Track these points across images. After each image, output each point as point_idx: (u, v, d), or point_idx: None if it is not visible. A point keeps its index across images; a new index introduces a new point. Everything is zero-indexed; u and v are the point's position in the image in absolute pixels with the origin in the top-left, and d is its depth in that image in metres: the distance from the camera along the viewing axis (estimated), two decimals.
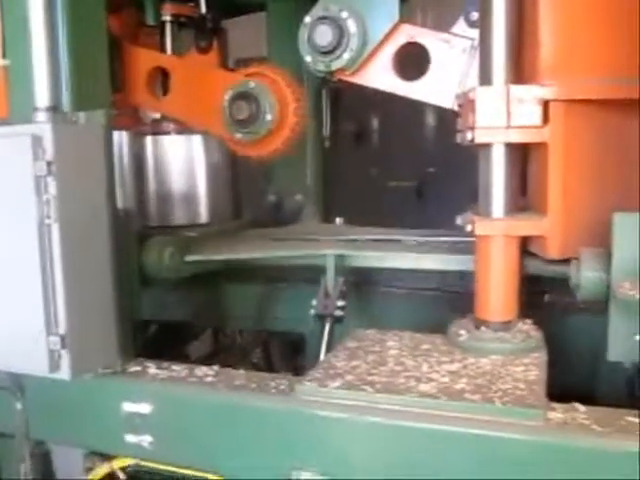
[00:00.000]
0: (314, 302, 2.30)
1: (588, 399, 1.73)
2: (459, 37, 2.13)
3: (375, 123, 6.41)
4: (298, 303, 2.55)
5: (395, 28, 2.21)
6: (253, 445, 1.73)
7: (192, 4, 3.20)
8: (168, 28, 3.18)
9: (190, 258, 2.37)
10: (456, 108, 2.06)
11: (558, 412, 1.54)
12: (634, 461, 1.38)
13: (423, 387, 1.64)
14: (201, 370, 1.94)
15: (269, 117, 2.64)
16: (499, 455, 1.49)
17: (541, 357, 1.80)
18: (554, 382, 1.70)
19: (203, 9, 3.14)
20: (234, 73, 2.79)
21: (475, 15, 2.02)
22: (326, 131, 4.03)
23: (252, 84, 2.65)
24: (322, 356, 2.18)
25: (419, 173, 6.21)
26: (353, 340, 2.01)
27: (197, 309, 2.95)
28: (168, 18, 3.23)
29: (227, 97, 2.68)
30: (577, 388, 1.91)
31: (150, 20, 3.14)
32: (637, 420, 1.49)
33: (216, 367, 1.95)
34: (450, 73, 2.14)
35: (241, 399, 1.76)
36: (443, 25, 2.29)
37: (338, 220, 3.30)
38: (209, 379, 1.89)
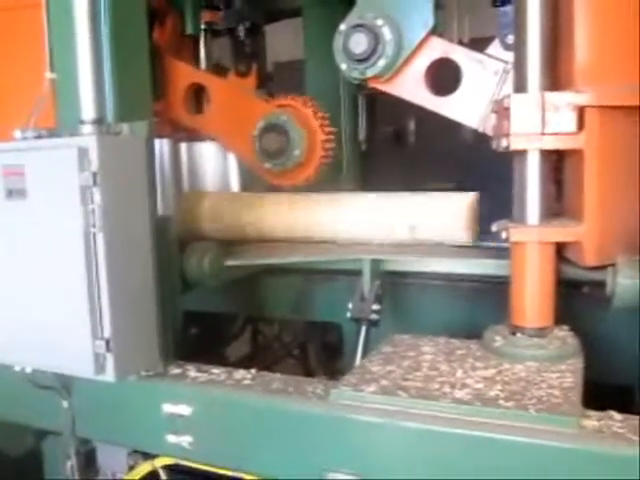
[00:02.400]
0: (350, 305, 2.33)
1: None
2: (493, 58, 2.14)
3: (413, 125, 6.40)
4: (336, 294, 2.59)
5: (429, 42, 2.23)
6: (289, 447, 1.77)
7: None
8: (203, 37, 3.28)
9: (230, 263, 2.42)
10: (481, 129, 2.08)
11: (593, 420, 1.54)
12: None
13: (457, 393, 1.65)
14: (239, 373, 1.99)
15: (297, 152, 2.70)
16: (533, 462, 1.50)
17: (577, 364, 1.80)
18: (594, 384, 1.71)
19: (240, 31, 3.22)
20: (267, 103, 2.85)
21: (510, 38, 2.03)
22: (362, 134, 4.07)
23: (283, 117, 2.71)
24: (358, 360, 2.21)
25: (458, 175, 6.19)
26: (388, 345, 2.04)
27: (237, 300, 2.99)
28: (204, 27, 3.32)
29: (258, 127, 2.75)
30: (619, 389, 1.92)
31: (189, 29, 3.22)
32: None
33: (254, 371, 2.00)
34: (480, 93, 2.15)
35: (278, 402, 1.80)
36: (478, 30, 2.31)
37: None
38: (247, 382, 1.94)
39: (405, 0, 2.25)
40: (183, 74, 2.99)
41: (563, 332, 1.92)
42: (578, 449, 1.46)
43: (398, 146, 6.34)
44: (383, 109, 5.71)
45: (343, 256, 2.44)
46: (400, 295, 2.54)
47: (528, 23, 1.86)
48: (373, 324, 2.29)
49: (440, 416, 1.60)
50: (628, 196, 1.83)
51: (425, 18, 2.26)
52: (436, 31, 2.30)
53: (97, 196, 1.72)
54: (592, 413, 1.57)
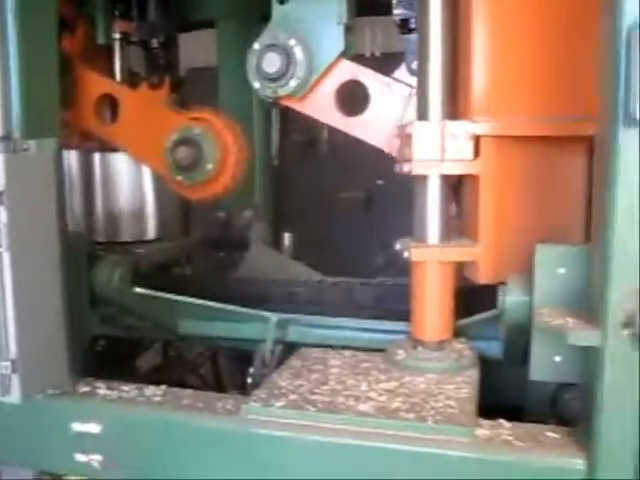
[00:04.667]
0: (251, 370, 2.31)
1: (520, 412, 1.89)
2: (400, 82, 2.25)
3: (326, 135, 6.52)
4: (247, 322, 2.62)
5: (339, 64, 2.31)
6: (200, 463, 1.80)
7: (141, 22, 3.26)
8: (117, 47, 3.24)
9: (138, 291, 2.41)
10: (387, 150, 2.19)
11: (485, 429, 1.66)
12: (550, 473, 1.52)
13: (362, 406, 1.74)
14: (150, 390, 2.00)
15: (210, 166, 2.72)
16: (432, 471, 1.60)
17: (473, 375, 1.92)
18: (488, 397, 1.83)
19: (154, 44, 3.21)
20: (180, 115, 2.85)
21: (416, 64, 2.14)
22: (275, 147, 4.13)
23: (197, 130, 2.72)
24: None
25: (368, 185, 6.35)
26: (297, 359, 2.10)
27: (146, 324, 2.97)
28: (118, 36, 3.28)
29: (171, 139, 2.74)
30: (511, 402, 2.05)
31: (101, 39, 3.18)
32: (556, 435, 1.63)
33: (164, 387, 2.01)
34: (387, 116, 2.25)
35: (188, 419, 1.83)
36: (392, 45, 2.42)
37: (287, 237, 3.40)
38: (157, 399, 1.95)
39: (317, 23, 2.33)
40: (94, 84, 2.95)
41: (461, 345, 2.04)
42: (471, 457, 1.57)
43: (311, 156, 6.45)
44: (296, 119, 5.81)
45: (249, 310, 2.45)
46: None
47: (430, 54, 1.98)
48: None
49: (345, 429, 1.67)
50: (524, 220, 1.96)
51: (336, 42, 2.34)
52: (347, 54, 2.39)
53: (3, 215, 1.69)
54: (485, 422, 1.69)
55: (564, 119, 1.87)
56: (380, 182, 6.17)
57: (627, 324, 1.44)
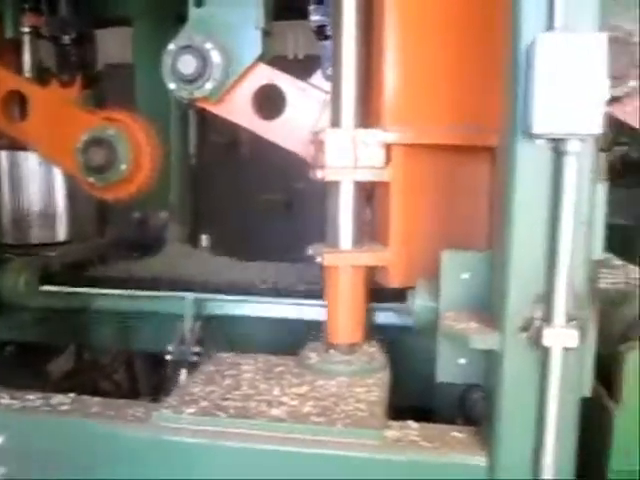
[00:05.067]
0: (170, 347, 2.34)
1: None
2: (315, 88, 2.27)
3: (246, 136, 6.49)
4: (161, 323, 2.59)
5: (257, 68, 2.31)
6: (110, 472, 1.76)
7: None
8: (27, 42, 3.13)
9: (44, 288, 2.33)
10: (303, 155, 2.21)
11: (394, 430, 1.70)
12: (454, 471, 1.58)
13: (273, 411, 1.74)
14: (57, 398, 1.94)
15: (123, 167, 2.67)
16: (342, 473, 1.63)
17: (383, 377, 1.96)
18: (401, 397, 1.88)
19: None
20: (93, 115, 2.78)
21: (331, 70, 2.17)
22: (193, 147, 4.08)
23: (110, 131, 2.67)
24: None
25: (289, 187, 6.36)
26: (210, 364, 2.09)
27: (56, 328, 2.88)
28: (27, 30, 3.17)
29: (83, 140, 2.68)
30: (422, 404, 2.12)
31: (9, 33, 3.06)
32: (461, 435, 1.69)
33: (72, 395, 1.95)
34: (303, 121, 2.27)
35: (95, 427, 1.78)
36: (316, 48, 2.44)
37: (204, 237, 3.36)
38: (64, 407, 1.89)
39: (235, 27, 2.32)
40: (1, 80, 2.84)
41: (372, 348, 2.09)
42: (379, 458, 1.61)
43: (231, 158, 6.41)
44: (215, 120, 5.74)
45: (166, 293, 2.44)
46: (226, 334, 2.58)
47: (343, 62, 2.02)
48: (193, 366, 2.31)
49: (257, 434, 1.68)
50: (434, 226, 2.03)
51: (254, 46, 2.34)
52: (264, 58, 2.39)
53: None
54: (394, 424, 1.73)
55: (471, 129, 1.95)
56: (300, 185, 6.20)
57: (525, 328, 1.51)
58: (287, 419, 1.70)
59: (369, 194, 2.18)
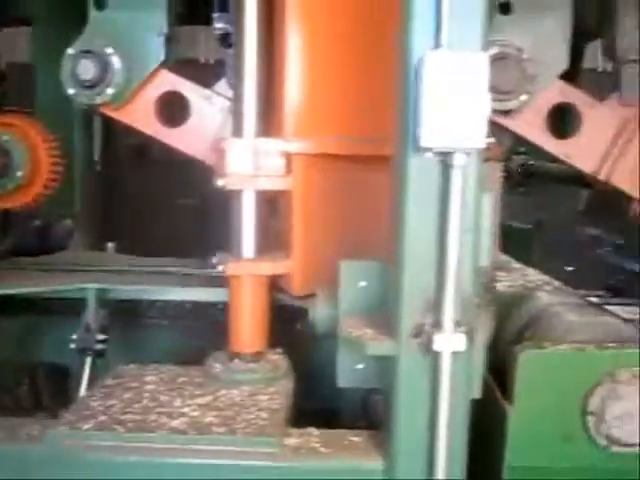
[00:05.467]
0: (75, 336, 2.31)
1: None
2: (220, 96, 2.27)
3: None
4: (63, 334, 2.51)
5: (160, 74, 2.29)
6: None
7: None
8: None
9: None
10: (208, 162, 2.21)
11: (294, 437, 1.72)
12: (352, 475, 1.62)
13: (174, 422, 1.73)
14: None
15: (20, 173, 2.57)
16: None
17: (286, 385, 1.99)
18: (307, 403, 1.90)
19: None
20: None
21: None
22: (98, 152, 3.99)
23: (5, 137, 2.57)
24: (82, 391, 2.19)
25: (203, 191, 6.27)
26: (111, 378, 2.04)
27: None
28: None
29: None
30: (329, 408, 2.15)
31: None
32: (359, 439, 1.73)
33: None
34: (207, 128, 2.28)
35: None
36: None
37: (110, 245, 3.30)
38: None
39: (137, 32, 2.29)
40: None
41: (275, 356, 2.10)
42: (279, 466, 1.63)
43: (142, 162, 6.27)
44: (123, 123, 5.61)
45: (66, 286, 2.39)
46: (130, 324, 2.56)
47: (245, 72, 2.03)
48: (99, 355, 2.28)
49: (156, 447, 1.66)
50: (331, 234, 2.06)
51: (156, 52, 2.32)
52: (168, 63, 2.37)
53: None
54: (294, 431, 1.75)
55: (369, 140, 2.00)
56: (215, 189, 6.11)
57: (416, 334, 1.56)
58: (187, 430, 1.69)
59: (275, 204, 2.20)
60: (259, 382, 1.98)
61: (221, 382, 1.98)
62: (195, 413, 1.78)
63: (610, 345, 1.84)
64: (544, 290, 2.54)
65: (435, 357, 1.54)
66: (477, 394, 1.63)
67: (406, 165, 1.52)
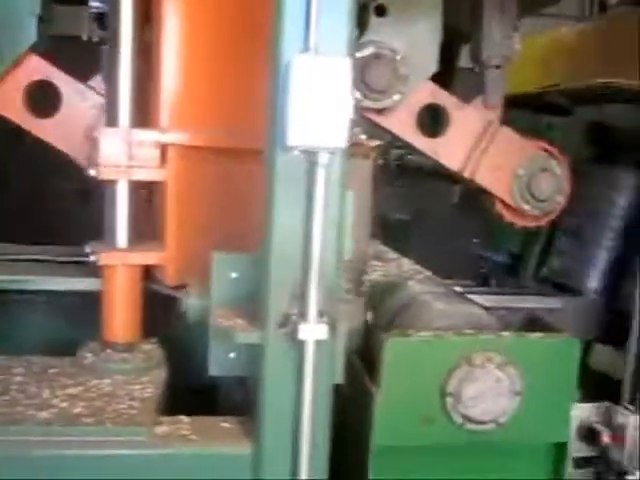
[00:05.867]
0: None
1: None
2: (94, 92, 2.23)
3: None
4: None
5: (30, 61, 2.21)
6: None
7: None
8: None
9: None
10: (76, 158, 2.17)
11: (165, 426, 1.75)
12: (221, 461, 1.68)
13: (42, 414, 1.71)
14: None
15: None
16: (116, 471, 1.65)
17: (160, 374, 2.00)
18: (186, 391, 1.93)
19: None
20: None
21: None
22: None
23: None
24: None
25: (85, 175, 6.08)
26: None
27: None
28: None
29: None
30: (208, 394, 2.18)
31: None
32: (229, 425, 1.79)
33: None
34: (77, 123, 2.22)
35: None
36: None
37: None
38: None
39: (6, 12, 2.20)
40: None
41: (149, 345, 2.11)
42: (148, 454, 1.66)
43: (22, 145, 5.97)
44: None
45: None
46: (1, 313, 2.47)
47: (120, 63, 2.01)
48: None
49: (23, 440, 1.63)
50: (206, 225, 2.09)
51: (27, 33, 2.23)
52: (40, 46, 2.29)
53: None
54: (165, 419, 1.78)
55: (244, 133, 2.02)
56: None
57: (283, 324, 1.63)
58: (55, 421, 1.68)
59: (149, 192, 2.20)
60: (132, 372, 1.98)
61: (93, 372, 1.97)
62: (64, 404, 1.77)
63: (467, 332, 2.00)
64: (415, 279, 2.69)
65: (300, 346, 1.62)
66: (340, 380, 1.72)
67: (275, 162, 1.58)
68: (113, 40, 2.03)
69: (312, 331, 1.60)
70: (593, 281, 2.95)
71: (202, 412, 1.85)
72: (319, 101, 1.48)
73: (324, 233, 1.58)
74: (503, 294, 2.96)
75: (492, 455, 2.00)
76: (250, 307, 1.79)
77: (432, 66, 2.45)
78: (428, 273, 2.89)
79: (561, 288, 3.06)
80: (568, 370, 1.95)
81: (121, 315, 2.04)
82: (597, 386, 2.33)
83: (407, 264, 3.10)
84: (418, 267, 3.00)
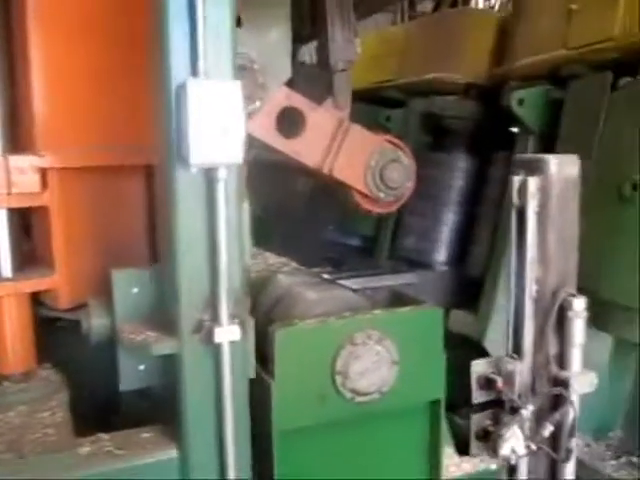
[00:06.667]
0: None
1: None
2: None
3: None
4: None
5: None
6: None
7: None
8: None
9: None
10: None
11: (86, 446, 1.77)
12: (151, 469, 1.74)
13: None
14: None
15: None
16: None
17: (63, 397, 2.00)
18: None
19: None
20: None
21: None
22: None
23: None
24: None
25: None
26: None
27: None
28: None
29: None
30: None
31: None
32: (151, 434, 1.85)
33: None
34: None
35: None
36: None
37: None
38: None
39: None
40: None
41: (47, 371, 2.09)
42: (79, 476, 1.68)
43: None
44: None
45: None
46: None
47: None
48: None
49: None
50: (93, 244, 2.10)
51: None
52: None
53: None
54: (84, 440, 1.80)
55: (123, 149, 2.06)
56: None
57: (197, 330, 1.73)
58: None
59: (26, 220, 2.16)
60: (35, 400, 1.96)
61: None
62: None
63: (346, 315, 2.17)
64: (284, 272, 2.83)
65: (215, 348, 1.73)
66: (252, 374, 1.86)
67: (174, 179, 1.66)
68: None
69: (226, 333, 1.71)
70: (440, 255, 3.31)
71: (105, 429, 1.89)
72: (216, 122, 1.59)
73: (228, 242, 1.70)
74: (364, 276, 3.18)
75: (378, 421, 2.21)
76: (155, 320, 1.86)
77: (286, 72, 2.62)
78: (294, 264, 3.03)
79: (413, 264, 3.38)
80: (435, 336, 2.21)
81: (14, 345, 2.00)
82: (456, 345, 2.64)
83: (272, 257, 3.22)
84: (284, 259, 3.13)
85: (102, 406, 2.14)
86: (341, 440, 2.16)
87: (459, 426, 2.68)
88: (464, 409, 2.55)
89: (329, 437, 2.14)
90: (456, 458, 2.61)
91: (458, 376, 2.21)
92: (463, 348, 2.68)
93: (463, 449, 2.56)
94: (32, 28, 1.95)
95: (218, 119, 1.59)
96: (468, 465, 2.60)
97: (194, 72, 1.61)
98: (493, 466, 2.55)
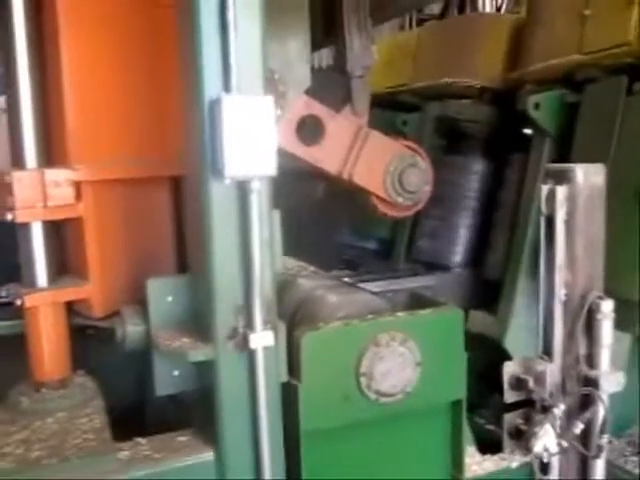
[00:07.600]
0: None
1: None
2: None
3: None
4: None
5: None
6: None
7: None
8: None
9: None
10: None
11: (126, 450, 1.84)
12: (189, 471, 1.80)
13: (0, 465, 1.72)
14: None
15: None
16: None
17: (99, 404, 2.06)
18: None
19: None
20: None
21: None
22: None
23: None
24: None
25: None
26: None
27: None
28: None
29: None
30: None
31: None
32: (186, 438, 1.91)
33: None
34: None
35: None
36: None
37: None
38: None
39: None
40: None
41: (82, 378, 2.15)
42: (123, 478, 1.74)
43: None
44: None
45: None
46: None
47: (21, 104, 2.01)
48: None
49: None
50: (125, 253, 2.16)
51: None
52: None
53: None
54: (124, 445, 1.86)
55: (151, 160, 2.13)
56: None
57: (231, 336, 1.79)
58: (19, 469, 1.70)
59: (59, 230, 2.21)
60: (72, 407, 2.02)
61: (33, 415, 1.97)
62: (19, 450, 1.78)
63: (369, 317, 2.20)
64: (303, 276, 2.87)
65: (250, 354, 1.79)
66: (285, 378, 1.91)
67: (208, 191, 1.72)
68: (11, 88, 2.02)
69: (260, 339, 1.77)
70: (457, 257, 3.35)
71: (133, 433, 1.94)
72: (249, 136, 1.65)
73: (261, 250, 1.75)
74: (383, 279, 3.22)
75: (402, 422, 2.25)
76: (190, 326, 1.92)
77: (306, 80, 2.66)
78: (312, 268, 3.07)
79: (430, 266, 3.42)
80: (456, 337, 2.26)
81: (51, 353, 2.06)
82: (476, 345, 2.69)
83: (291, 262, 3.26)
84: (302, 263, 3.17)
85: (127, 412, 2.19)
86: (365, 440, 2.20)
87: (479, 425, 2.73)
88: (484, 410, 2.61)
89: (354, 437, 2.18)
90: (478, 457, 2.66)
91: (475, 376, 2.25)
92: (480, 349, 2.72)
93: (484, 448, 2.61)
94: (64, 42, 2.01)
95: (251, 133, 1.65)
96: (490, 464, 2.65)
97: (227, 87, 1.67)
98: (514, 464, 2.60)
